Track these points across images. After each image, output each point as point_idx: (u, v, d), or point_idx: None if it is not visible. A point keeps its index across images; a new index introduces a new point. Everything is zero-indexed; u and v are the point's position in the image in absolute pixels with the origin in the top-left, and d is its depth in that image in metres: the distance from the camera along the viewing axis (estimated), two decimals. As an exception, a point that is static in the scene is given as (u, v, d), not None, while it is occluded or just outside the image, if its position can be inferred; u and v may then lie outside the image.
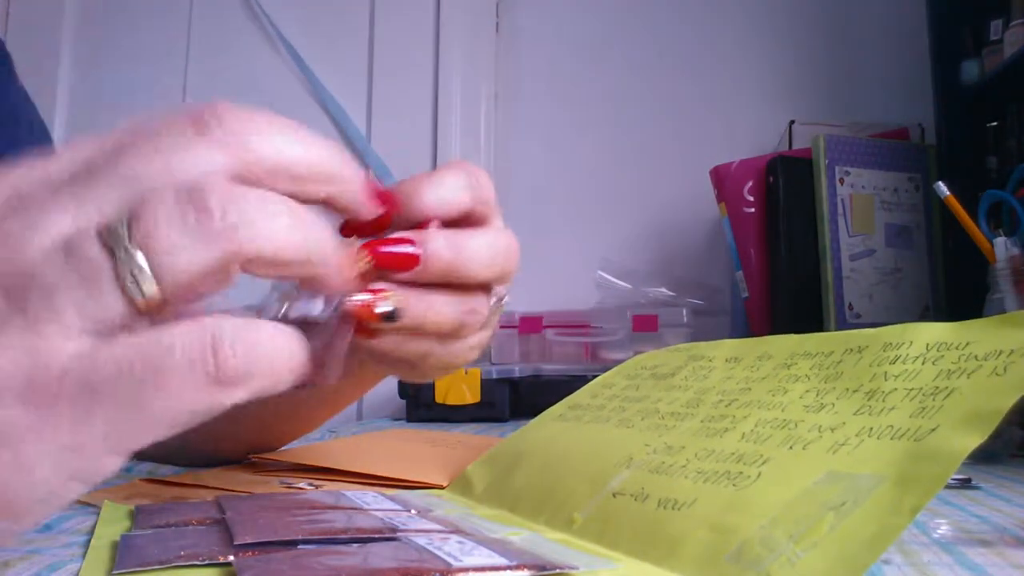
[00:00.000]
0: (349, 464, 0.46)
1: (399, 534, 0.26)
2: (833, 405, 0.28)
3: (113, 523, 0.31)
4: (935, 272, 1.04)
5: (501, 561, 0.23)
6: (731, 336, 1.22)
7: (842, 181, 1.01)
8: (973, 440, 0.23)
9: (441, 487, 0.41)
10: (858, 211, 1.01)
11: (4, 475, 0.16)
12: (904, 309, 1.01)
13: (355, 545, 0.25)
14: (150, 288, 0.17)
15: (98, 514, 0.33)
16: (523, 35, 1.48)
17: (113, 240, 0.17)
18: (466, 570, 0.22)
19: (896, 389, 0.27)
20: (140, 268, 0.17)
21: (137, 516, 0.31)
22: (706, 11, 1.39)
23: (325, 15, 1.52)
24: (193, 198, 0.17)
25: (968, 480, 0.44)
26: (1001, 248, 0.68)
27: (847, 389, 0.29)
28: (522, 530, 0.29)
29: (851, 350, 0.32)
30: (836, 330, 0.96)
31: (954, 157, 1.02)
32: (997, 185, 0.85)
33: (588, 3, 1.45)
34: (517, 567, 0.22)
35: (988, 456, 0.55)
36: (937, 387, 0.26)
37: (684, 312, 1.15)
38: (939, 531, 0.31)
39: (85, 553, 0.26)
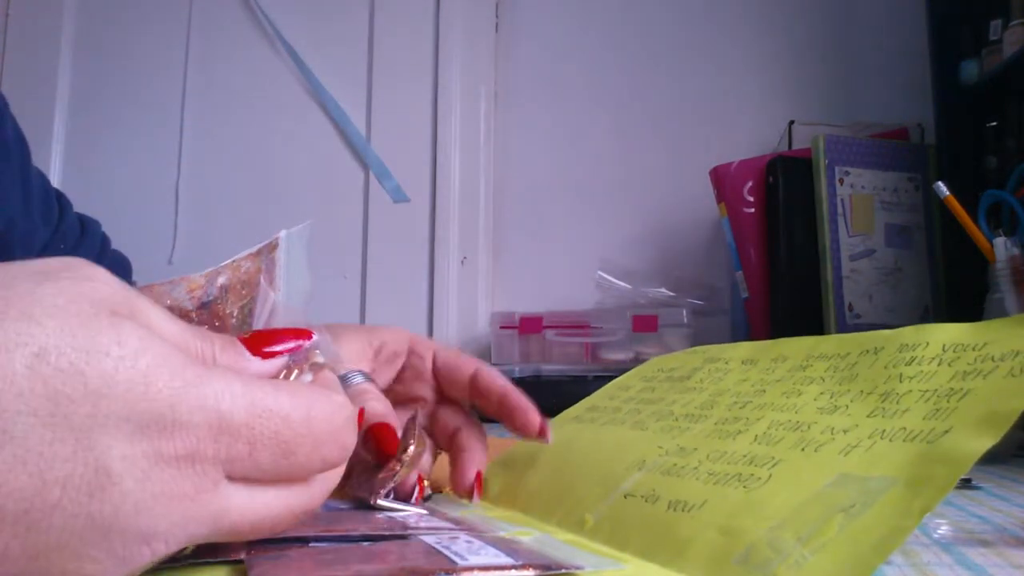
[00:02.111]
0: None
1: (409, 532, 0.27)
2: (847, 407, 0.28)
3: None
4: (935, 272, 1.04)
5: (507, 560, 0.23)
6: (731, 336, 1.22)
7: (842, 181, 1.02)
8: (986, 442, 0.22)
9: (440, 491, 0.42)
10: (858, 211, 1.01)
11: None
12: (904, 309, 1.01)
13: (366, 544, 0.25)
14: None
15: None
16: (523, 35, 1.49)
17: None
18: (471, 569, 0.22)
19: (911, 391, 0.27)
20: None
21: None
22: (706, 11, 1.39)
23: (325, 15, 1.52)
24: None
25: (968, 480, 0.44)
26: (1001, 248, 0.68)
27: (861, 391, 0.29)
28: (533, 530, 0.29)
29: (867, 352, 0.31)
30: (836, 330, 0.97)
31: (954, 157, 1.02)
32: (996, 185, 0.85)
33: (587, 3, 1.46)
34: (523, 567, 0.22)
35: (988, 456, 0.55)
36: (952, 388, 0.26)
37: (684, 312, 1.16)
38: (939, 531, 0.32)
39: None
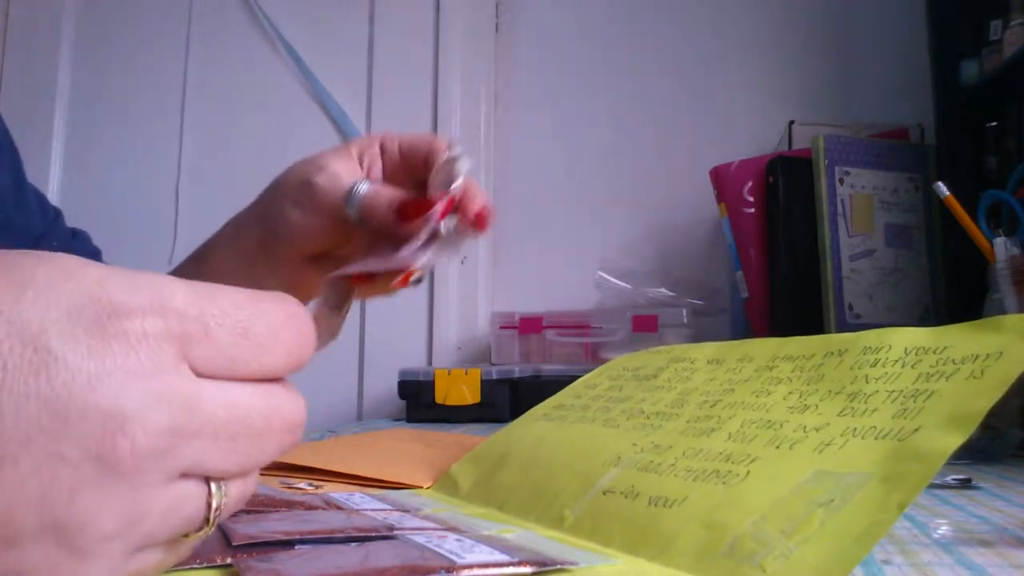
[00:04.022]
0: (338, 465, 0.46)
1: (395, 532, 0.26)
2: (817, 407, 0.29)
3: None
4: (935, 272, 1.03)
5: (503, 558, 0.23)
6: (731, 337, 1.22)
7: (842, 181, 1.01)
8: (955, 440, 0.23)
9: (422, 487, 0.41)
10: (858, 211, 1.01)
11: None
12: (904, 309, 1.01)
13: (353, 544, 0.25)
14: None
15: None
16: (523, 36, 1.48)
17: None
18: (471, 567, 0.22)
19: (877, 391, 0.28)
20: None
21: None
22: (706, 11, 1.39)
23: (324, 15, 1.52)
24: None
25: (968, 480, 0.44)
26: (1001, 248, 0.68)
27: (829, 391, 0.30)
28: (514, 527, 0.29)
29: (831, 353, 0.32)
30: (836, 331, 0.97)
31: (954, 157, 1.01)
32: (996, 185, 0.85)
33: (587, 3, 1.45)
34: (519, 563, 0.22)
35: (988, 456, 0.55)
36: (917, 389, 0.27)
37: (684, 312, 1.15)
38: (939, 531, 0.31)
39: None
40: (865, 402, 0.27)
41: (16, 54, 1.60)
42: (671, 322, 1.15)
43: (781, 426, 0.29)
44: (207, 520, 0.21)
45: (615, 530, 0.27)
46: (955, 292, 1.01)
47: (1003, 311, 0.67)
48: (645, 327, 1.15)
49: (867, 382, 0.29)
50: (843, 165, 1.02)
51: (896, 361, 0.29)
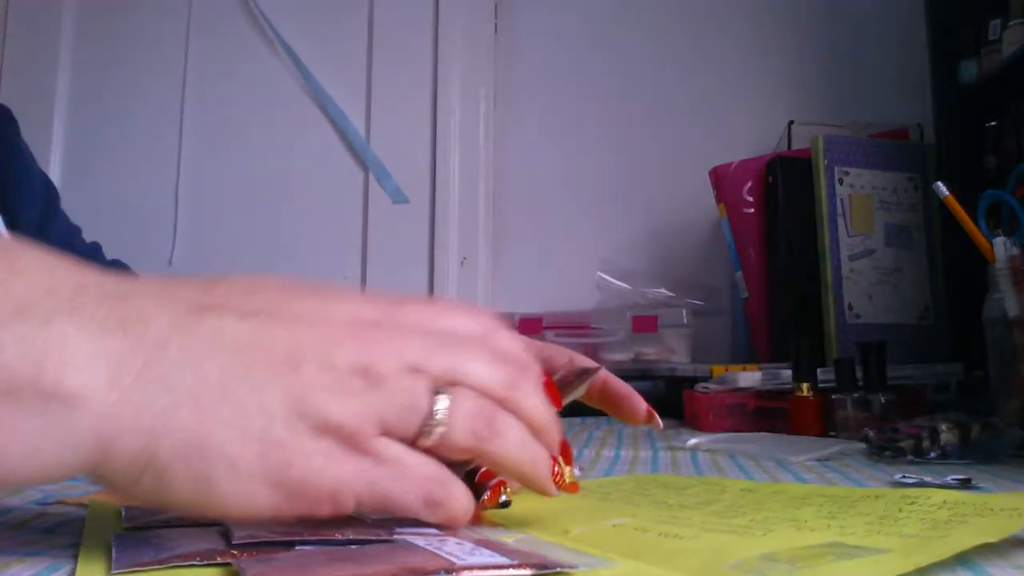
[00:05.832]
0: None
1: (396, 535, 0.26)
2: (846, 519, 0.30)
3: (102, 523, 0.30)
4: (935, 272, 1.03)
5: (503, 560, 0.23)
6: (731, 336, 1.22)
7: (841, 181, 1.01)
8: (983, 540, 0.25)
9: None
10: (857, 211, 1.01)
11: None
12: (904, 309, 1.01)
13: (354, 547, 0.25)
14: (435, 439, 0.26)
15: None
16: (521, 36, 1.48)
17: (438, 400, 0.26)
18: (471, 568, 0.22)
19: (910, 517, 0.29)
20: (440, 426, 0.26)
21: (125, 516, 0.30)
22: (705, 12, 1.39)
23: (324, 16, 1.52)
24: (485, 410, 0.26)
25: (968, 480, 0.44)
26: (1000, 248, 0.68)
27: (860, 513, 0.31)
28: (516, 532, 0.29)
29: (868, 497, 0.34)
30: (836, 330, 0.97)
31: (953, 157, 1.02)
32: (996, 185, 0.85)
33: (586, 4, 1.45)
34: (519, 566, 0.22)
35: (988, 456, 0.55)
36: (951, 519, 0.28)
37: (684, 312, 1.15)
38: (939, 531, 0.31)
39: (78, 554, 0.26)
40: (895, 523, 0.29)
41: (16, 54, 1.60)
42: (671, 322, 1.15)
43: (811, 528, 0.29)
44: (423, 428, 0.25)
45: (619, 548, 0.26)
46: (955, 292, 1.01)
47: (1003, 311, 0.67)
48: (645, 327, 1.15)
49: (900, 511, 0.30)
50: (842, 165, 1.02)
51: (933, 505, 0.31)
